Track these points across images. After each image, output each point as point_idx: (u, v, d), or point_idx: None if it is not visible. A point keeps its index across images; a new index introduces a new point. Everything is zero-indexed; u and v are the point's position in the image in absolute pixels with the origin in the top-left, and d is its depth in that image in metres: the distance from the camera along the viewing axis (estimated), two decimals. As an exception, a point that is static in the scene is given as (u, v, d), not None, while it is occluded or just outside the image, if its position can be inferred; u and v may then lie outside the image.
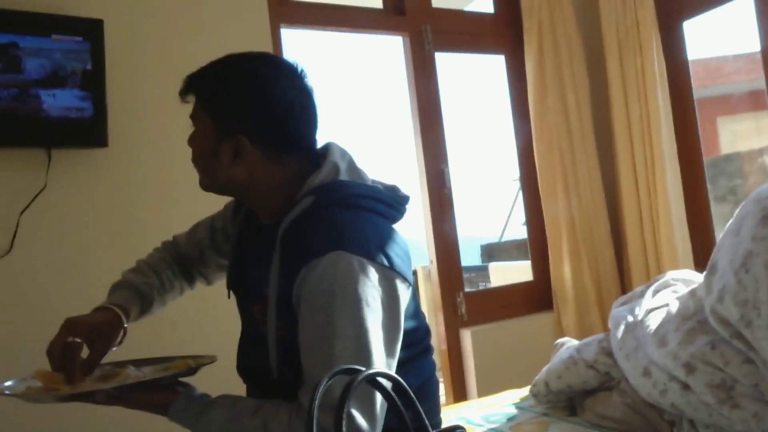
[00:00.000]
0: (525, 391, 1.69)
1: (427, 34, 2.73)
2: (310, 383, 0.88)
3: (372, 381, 0.74)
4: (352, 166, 1.07)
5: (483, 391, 2.56)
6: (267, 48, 2.26)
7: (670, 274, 1.58)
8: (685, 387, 1.15)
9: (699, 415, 1.14)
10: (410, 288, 1.00)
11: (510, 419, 1.51)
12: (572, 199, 2.79)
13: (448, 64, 2.92)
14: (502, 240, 8.26)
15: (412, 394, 0.71)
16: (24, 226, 1.83)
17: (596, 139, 2.86)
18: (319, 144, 1.10)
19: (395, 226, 1.08)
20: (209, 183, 1.04)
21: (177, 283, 1.27)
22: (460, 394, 2.66)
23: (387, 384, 0.71)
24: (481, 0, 3.22)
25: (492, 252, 7.95)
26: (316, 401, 0.66)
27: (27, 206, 1.83)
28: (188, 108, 1.05)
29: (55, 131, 1.82)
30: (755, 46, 2.43)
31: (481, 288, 5.44)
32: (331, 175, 1.02)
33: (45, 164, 1.85)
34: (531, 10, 2.81)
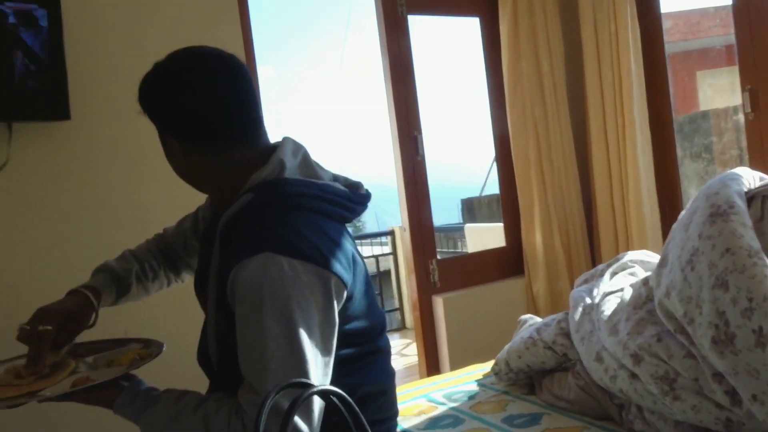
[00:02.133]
0: (489, 366, 1.73)
1: (400, -4, 2.66)
2: (247, 382, 0.91)
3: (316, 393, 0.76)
4: (305, 162, 1.06)
5: (454, 359, 2.62)
6: (233, 15, 2.20)
7: (629, 255, 1.61)
8: (633, 375, 1.19)
9: (645, 402, 1.18)
10: (346, 289, 1.00)
11: (471, 397, 1.55)
12: (544, 164, 2.80)
13: (422, 26, 2.86)
14: (482, 195, 8.29)
15: (351, 401, 0.72)
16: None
17: (569, 106, 2.85)
18: (278, 137, 1.09)
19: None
20: (177, 174, 1.08)
21: (161, 272, 1.29)
22: (432, 362, 2.72)
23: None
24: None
25: (472, 206, 8.00)
26: (263, 417, 0.68)
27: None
28: None
29: (15, 104, 1.77)
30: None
31: (458, 249, 5.48)
32: (276, 172, 1.01)
33: (6, 139, 1.82)
34: (506, -29, 2.74)
